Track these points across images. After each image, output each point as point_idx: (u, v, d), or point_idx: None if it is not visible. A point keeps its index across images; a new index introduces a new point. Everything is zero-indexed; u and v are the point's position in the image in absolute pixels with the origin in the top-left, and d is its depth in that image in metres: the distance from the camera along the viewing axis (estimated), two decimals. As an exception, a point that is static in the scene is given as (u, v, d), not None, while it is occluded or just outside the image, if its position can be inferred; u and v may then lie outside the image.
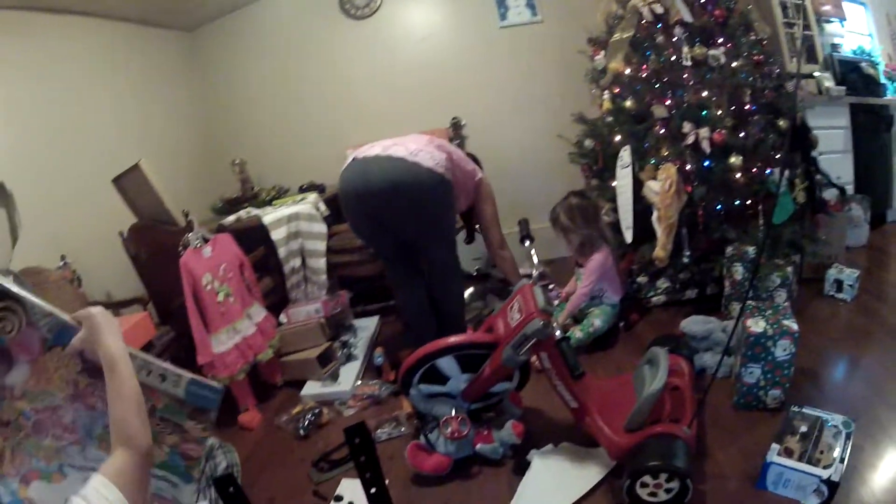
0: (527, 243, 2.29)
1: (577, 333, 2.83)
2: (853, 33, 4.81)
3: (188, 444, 1.05)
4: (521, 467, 2.05)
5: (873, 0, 5.14)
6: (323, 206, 3.56)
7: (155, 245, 2.91)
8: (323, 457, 2.34)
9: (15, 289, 0.90)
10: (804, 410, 1.93)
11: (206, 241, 2.70)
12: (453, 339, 2.12)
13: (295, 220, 3.32)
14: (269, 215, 3.28)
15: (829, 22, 4.44)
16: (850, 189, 3.90)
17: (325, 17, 4.28)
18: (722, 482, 1.81)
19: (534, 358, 1.95)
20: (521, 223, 2.35)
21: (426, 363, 2.14)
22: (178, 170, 3.36)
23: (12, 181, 2.68)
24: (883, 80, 4.76)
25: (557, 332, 1.81)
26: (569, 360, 1.75)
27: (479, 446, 2.14)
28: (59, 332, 0.94)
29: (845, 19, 4.62)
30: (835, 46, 4.42)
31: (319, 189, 3.84)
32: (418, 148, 2.54)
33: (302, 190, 3.90)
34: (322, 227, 3.41)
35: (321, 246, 3.37)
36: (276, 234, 3.23)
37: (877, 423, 1.98)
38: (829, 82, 3.98)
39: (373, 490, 1.11)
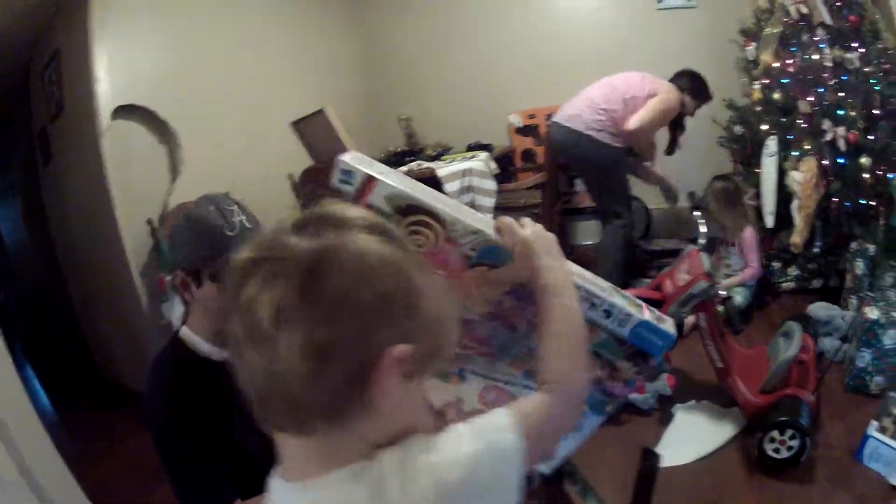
0: (696, 213, 2.47)
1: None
2: None
3: (614, 382, 0.94)
4: (667, 419, 2.30)
5: None
6: (493, 164, 3.69)
7: (329, 189, 3.12)
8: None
9: (436, 205, 0.83)
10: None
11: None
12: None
13: (469, 175, 3.46)
14: (443, 168, 3.44)
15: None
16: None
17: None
18: (828, 450, 2.04)
19: (691, 318, 2.19)
20: (691, 195, 2.55)
21: None
22: (344, 120, 3.52)
23: (183, 121, 2.97)
24: None
25: (722, 293, 2.05)
26: (732, 316, 2.00)
27: (631, 395, 2.37)
28: (484, 250, 0.83)
29: None
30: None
31: (488, 148, 3.98)
32: (595, 119, 2.99)
33: (471, 148, 4.05)
34: (493, 185, 3.55)
35: (490, 202, 3.52)
36: (450, 187, 3.37)
37: None
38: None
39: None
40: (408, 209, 0.83)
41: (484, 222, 0.86)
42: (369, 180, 0.85)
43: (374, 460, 0.58)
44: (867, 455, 1.94)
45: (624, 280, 3.24)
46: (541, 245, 0.83)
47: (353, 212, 0.61)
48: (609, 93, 3.08)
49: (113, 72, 2.79)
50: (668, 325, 0.95)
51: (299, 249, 0.54)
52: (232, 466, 1.19)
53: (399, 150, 4.08)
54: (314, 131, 3.22)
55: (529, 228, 0.85)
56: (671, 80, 3.20)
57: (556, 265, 0.83)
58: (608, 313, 0.90)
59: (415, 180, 0.89)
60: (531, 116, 4.35)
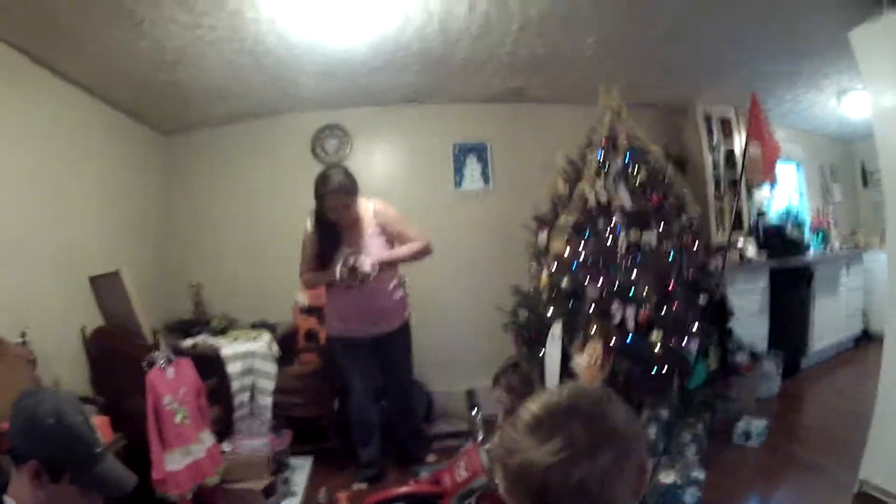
0: (474, 411, 2.66)
1: None
2: (782, 194, 5.38)
3: None
4: None
5: (810, 155, 5.74)
6: (276, 347, 3.75)
7: (117, 352, 3.07)
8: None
9: None
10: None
11: (169, 361, 2.92)
12: (404, 489, 2.50)
13: (251, 357, 3.53)
14: (227, 347, 3.49)
15: (759, 188, 4.98)
16: (763, 346, 4.39)
17: (297, 156, 4.48)
18: None
19: None
20: (469, 394, 2.75)
21: None
22: (139, 281, 3.38)
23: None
24: (808, 235, 5.32)
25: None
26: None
27: None
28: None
29: (777, 183, 5.15)
30: (762, 213, 4.95)
31: (272, 328, 3.94)
32: None
33: (254, 326, 3.96)
34: (273, 368, 3.62)
35: (270, 385, 3.58)
36: (233, 368, 3.44)
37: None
38: (751, 249, 4.50)
39: None
40: None
41: None
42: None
43: None
44: None
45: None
46: None
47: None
48: None
49: None
50: None
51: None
52: None
53: (187, 318, 4.00)
54: (108, 291, 3.15)
55: None
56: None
57: None
58: None
59: None
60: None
